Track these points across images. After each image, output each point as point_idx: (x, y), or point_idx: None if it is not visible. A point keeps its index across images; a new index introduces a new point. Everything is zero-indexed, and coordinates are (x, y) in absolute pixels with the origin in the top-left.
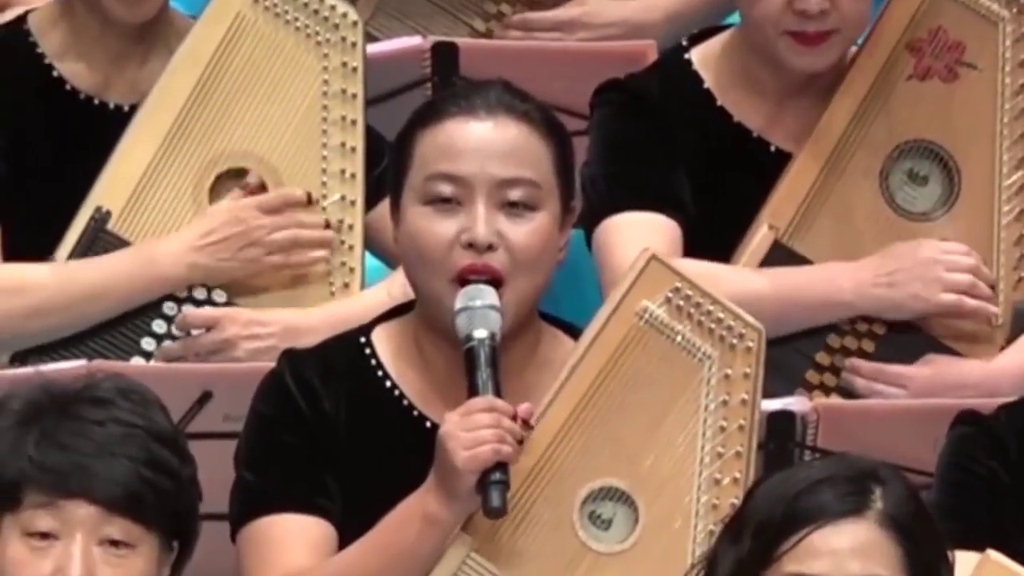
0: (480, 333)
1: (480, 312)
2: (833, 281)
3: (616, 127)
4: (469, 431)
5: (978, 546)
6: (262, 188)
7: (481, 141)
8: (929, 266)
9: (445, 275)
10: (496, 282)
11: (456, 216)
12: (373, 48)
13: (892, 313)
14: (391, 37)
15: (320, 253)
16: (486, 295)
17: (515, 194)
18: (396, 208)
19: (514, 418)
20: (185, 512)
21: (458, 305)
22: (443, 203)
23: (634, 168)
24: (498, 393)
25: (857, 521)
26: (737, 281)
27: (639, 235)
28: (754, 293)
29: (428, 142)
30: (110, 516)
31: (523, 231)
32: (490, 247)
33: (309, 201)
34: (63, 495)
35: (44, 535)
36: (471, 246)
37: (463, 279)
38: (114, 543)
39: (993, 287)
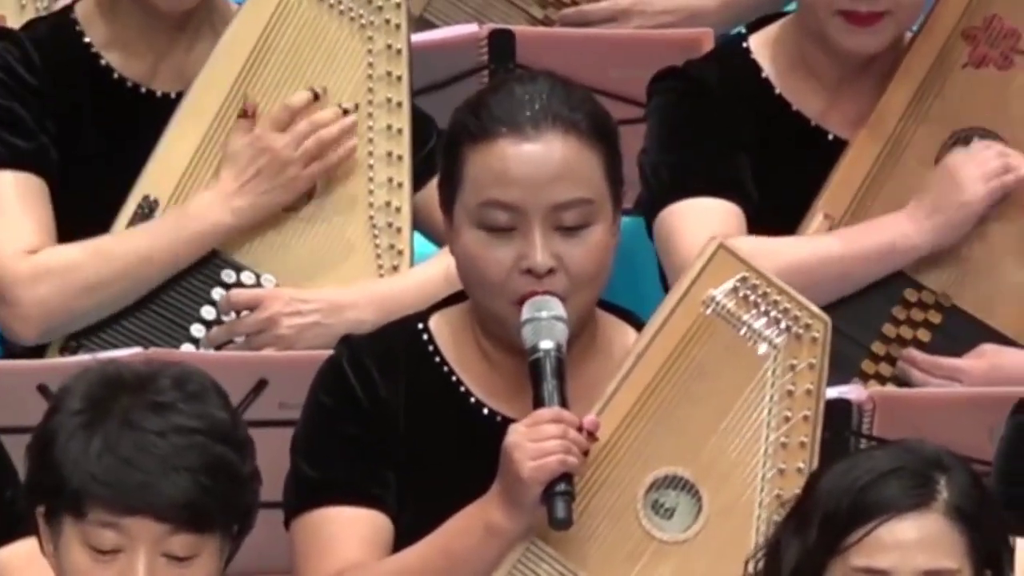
0: (546, 344)
1: (546, 323)
2: (895, 227)
3: (675, 113)
4: (536, 442)
5: None
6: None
7: (533, 166)
8: (958, 169)
9: (506, 298)
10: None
11: (512, 241)
12: (429, 35)
13: (954, 234)
14: (448, 23)
15: (351, 143)
16: (552, 306)
17: (570, 217)
18: (449, 215)
19: (580, 429)
20: (246, 506)
21: (524, 316)
22: (499, 230)
23: (695, 154)
24: (564, 404)
25: (923, 513)
26: (805, 247)
27: (704, 221)
28: (824, 253)
29: (479, 164)
30: (174, 532)
31: (581, 251)
32: (550, 271)
33: (316, 97)
34: (126, 513)
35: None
36: (529, 271)
37: (524, 302)
38: (178, 556)
39: None
